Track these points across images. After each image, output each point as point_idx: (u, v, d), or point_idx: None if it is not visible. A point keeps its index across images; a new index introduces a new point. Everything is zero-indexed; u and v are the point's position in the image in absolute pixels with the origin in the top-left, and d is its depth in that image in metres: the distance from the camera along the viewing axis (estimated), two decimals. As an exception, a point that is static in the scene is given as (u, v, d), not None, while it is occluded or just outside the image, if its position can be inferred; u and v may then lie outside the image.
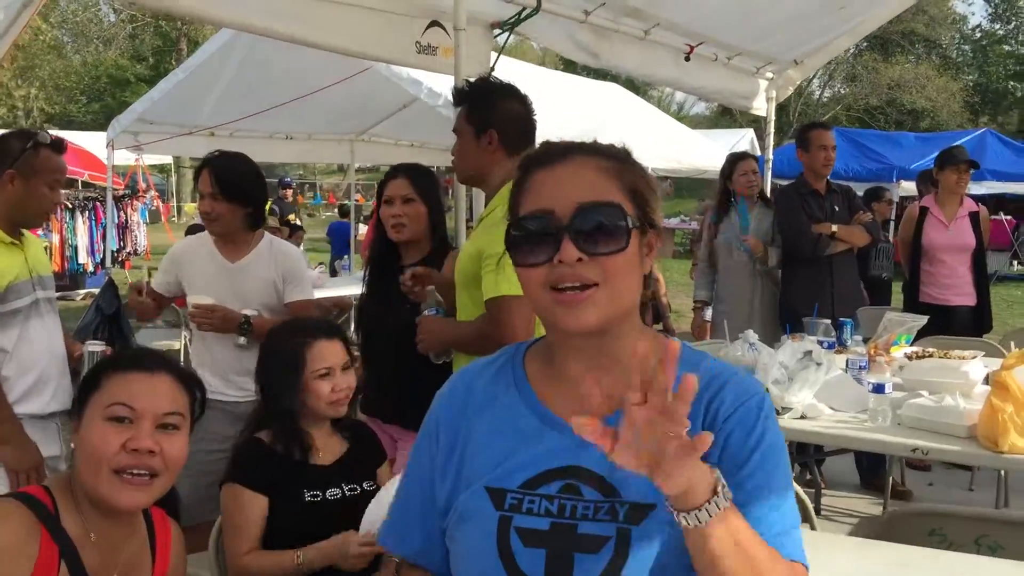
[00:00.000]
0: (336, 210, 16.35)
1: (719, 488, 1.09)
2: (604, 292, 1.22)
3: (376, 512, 1.60)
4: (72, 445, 1.66)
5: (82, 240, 12.86)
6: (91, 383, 1.67)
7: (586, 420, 1.07)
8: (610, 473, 1.23)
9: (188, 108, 8.19)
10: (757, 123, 24.60)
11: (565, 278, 1.22)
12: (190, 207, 26.68)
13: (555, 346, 1.33)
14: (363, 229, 14.45)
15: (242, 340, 3.27)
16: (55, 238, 12.77)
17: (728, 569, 1.09)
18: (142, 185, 16.37)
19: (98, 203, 13.24)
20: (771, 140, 6.61)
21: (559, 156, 1.28)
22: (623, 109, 10.46)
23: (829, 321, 4.43)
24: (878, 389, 3.23)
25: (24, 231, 3.03)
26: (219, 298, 3.26)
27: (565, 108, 8.31)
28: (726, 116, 34.73)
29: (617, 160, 1.29)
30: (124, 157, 11.12)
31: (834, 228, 4.98)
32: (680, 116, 31.83)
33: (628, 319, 1.28)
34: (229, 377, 3.32)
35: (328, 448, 2.51)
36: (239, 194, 3.25)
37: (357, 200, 15.08)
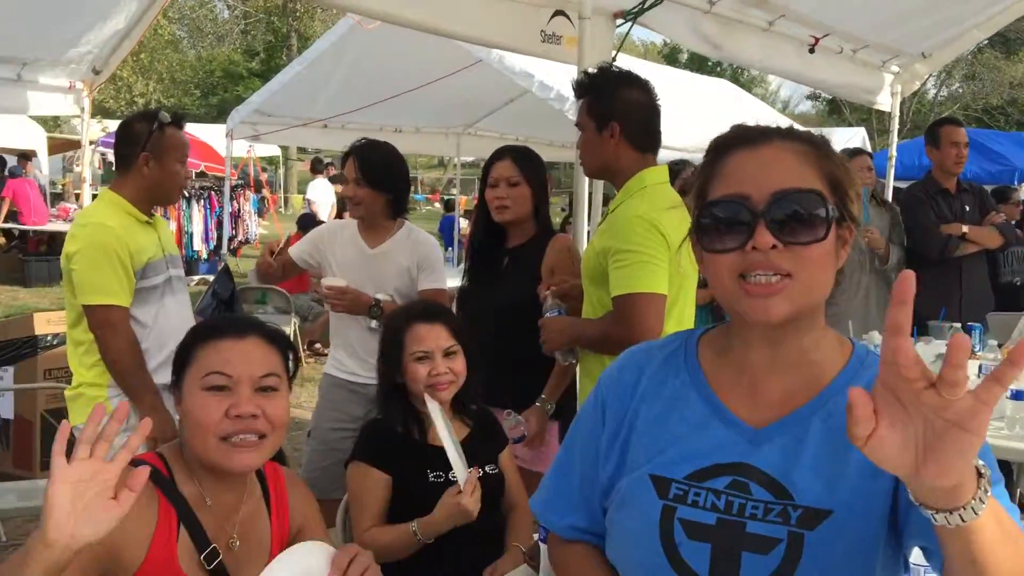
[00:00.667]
0: (442, 205, 16.49)
1: (982, 471, 0.93)
2: (797, 284, 1.16)
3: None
4: (176, 417, 1.70)
5: (197, 228, 13.31)
6: (184, 357, 1.69)
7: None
8: (783, 475, 1.18)
9: (303, 101, 8.40)
10: (867, 121, 23.81)
11: (757, 266, 1.15)
12: (297, 199, 27.37)
13: (734, 336, 1.28)
14: (464, 223, 14.58)
15: (373, 323, 3.32)
16: (172, 225, 13.26)
17: (997, 562, 0.96)
18: (263, 176, 16.87)
19: (212, 192, 13.69)
20: (895, 136, 6.37)
21: (757, 139, 1.23)
22: (734, 105, 10.27)
23: (959, 325, 4.23)
24: (1016, 396, 3.07)
25: (154, 213, 3.15)
26: (356, 281, 3.32)
27: (676, 104, 8.20)
28: (833, 115, 33.82)
29: (816, 147, 1.23)
30: (236, 149, 11.48)
31: (965, 229, 4.76)
32: (785, 115, 31.10)
33: (815, 314, 1.22)
34: (361, 358, 3.38)
35: None
36: (381, 181, 3.31)
37: (461, 200, 15.21)
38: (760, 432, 1.22)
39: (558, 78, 6.92)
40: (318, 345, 8.56)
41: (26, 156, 13.84)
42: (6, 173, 13.50)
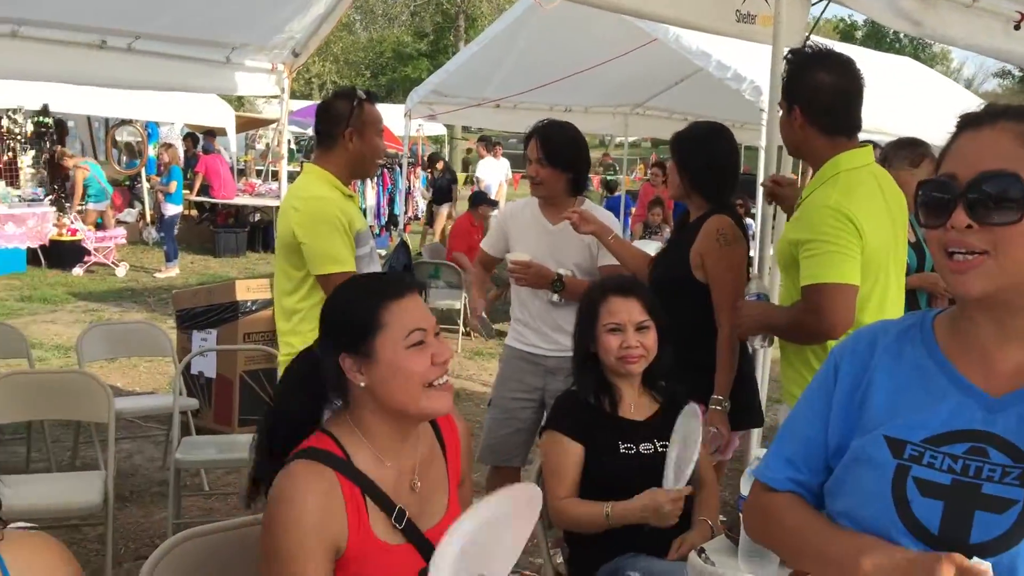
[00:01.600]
0: (602, 187, 16.47)
1: None
2: (994, 262, 1.21)
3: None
4: (361, 384, 1.72)
5: (370, 203, 13.85)
6: (369, 326, 1.72)
7: None
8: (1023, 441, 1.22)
9: (477, 81, 8.60)
10: (1065, 101, 22.05)
11: (954, 243, 1.23)
12: (462, 177, 27.95)
13: (961, 312, 1.33)
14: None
15: (555, 297, 3.43)
16: (347, 201, 13.86)
17: None
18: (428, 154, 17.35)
19: (385, 169, 14.21)
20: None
21: (982, 120, 1.27)
22: (917, 84, 9.79)
23: None
24: None
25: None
26: (537, 257, 3.44)
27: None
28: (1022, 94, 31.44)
29: None
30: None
31: None
32: (970, 92, 29.15)
33: None
34: (542, 331, 3.50)
35: (639, 405, 2.59)
36: (562, 160, 3.41)
37: (624, 179, 15.15)
38: (998, 401, 1.26)
39: (735, 57, 6.81)
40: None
41: (212, 133, 14.76)
42: (199, 150, 14.46)
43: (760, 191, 3.65)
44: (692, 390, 2.67)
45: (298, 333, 3.11)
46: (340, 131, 3.14)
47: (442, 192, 13.96)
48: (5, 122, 11.92)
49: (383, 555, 1.69)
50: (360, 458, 1.73)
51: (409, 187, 14.66)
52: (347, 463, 1.71)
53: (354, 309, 1.76)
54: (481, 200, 9.61)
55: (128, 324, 6.52)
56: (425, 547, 1.72)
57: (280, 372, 3.32)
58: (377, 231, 14.22)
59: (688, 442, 2.42)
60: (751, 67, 6.57)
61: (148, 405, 5.16)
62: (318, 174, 3.17)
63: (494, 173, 14.90)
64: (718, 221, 3.14)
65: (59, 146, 12.60)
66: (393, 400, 1.74)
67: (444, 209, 13.82)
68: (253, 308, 5.45)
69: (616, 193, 14.07)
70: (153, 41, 4.96)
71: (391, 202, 14.34)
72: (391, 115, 10.58)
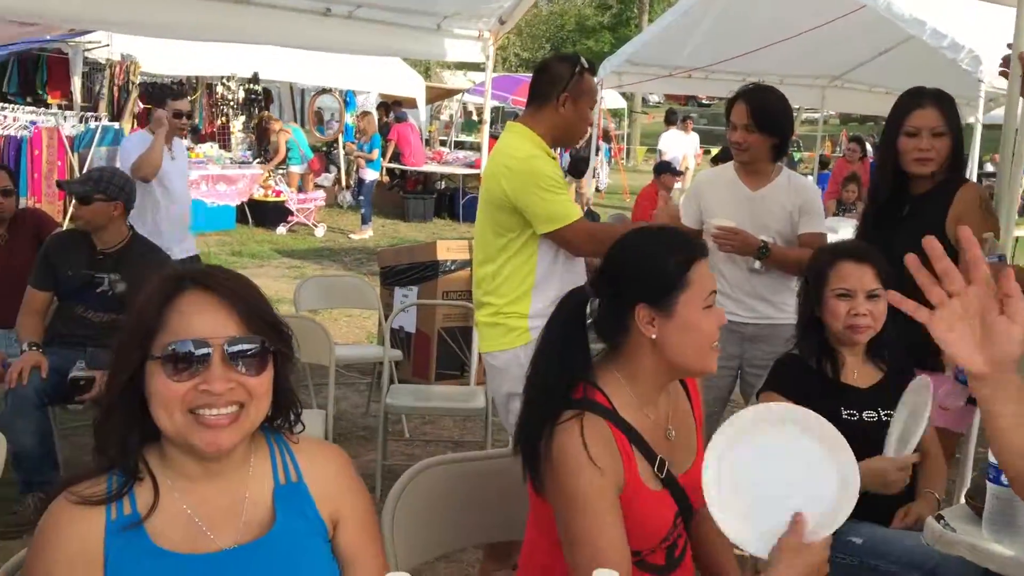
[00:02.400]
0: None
1: None
2: None
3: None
4: (652, 336, 1.74)
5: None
6: (676, 282, 1.74)
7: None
8: None
9: (671, 50, 8.51)
10: None
11: None
12: (640, 151, 27.75)
13: None
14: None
15: (757, 264, 3.39)
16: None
17: None
18: (610, 126, 17.34)
19: (568, 141, 14.32)
20: None
21: None
22: None
23: None
24: None
25: None
26: (737, 223, 3.40)
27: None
28: None
29: None
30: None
31: None
32: None
33: None
34: (740, 299, 3.47)
35: (863, 373, 2.55)
36: (770, 125, 3.35)
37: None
38: None
39: (952, 25, 6.44)
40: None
41: (400, 103, 15.31)
42: (391, 118, 15.03)
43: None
44: (919, 363, 2.60)
45: (501, 295, 3.14)
46: (555, 93, 3.13)
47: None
48: (220, 88, 12.81)
49: (648, 500, 1.75)
50: (624, 407, 1.77)
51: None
52: (615, 413, 1.75)
53: (661, 263, 1.76)
54: (664, 169, 9.54)
55: (340, 278, 6.96)
56: (680, 494, 1.78)
57: (477, 332, 3.42)
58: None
59: (916, 414, 2.36)
60: (969, 35, 6.20)
61: (359, 354, 5.51)
62: (526, 133, 3.15)
63: (678, 145, 14.73)
64: (975, 188, 3.03)
65: (265, 111, 13.44)
66: (682, 356, 1.76)
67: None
68: (452, 268, 5.67)
69: (826, 170, 13.60)
70: (372, 9, 5.23)
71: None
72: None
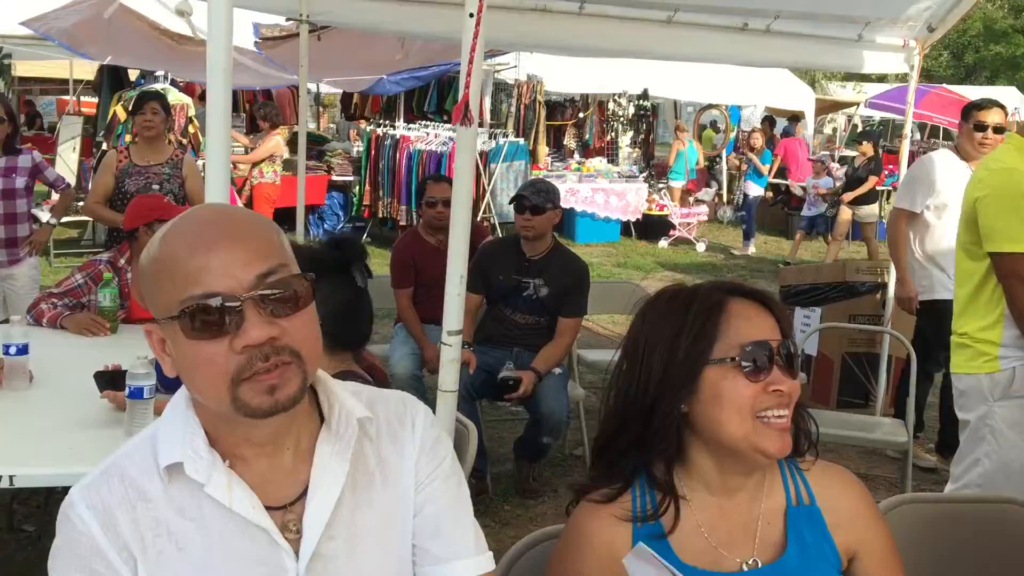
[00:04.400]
0: None
1: None
2: None
3: None
4: None
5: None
6: None
7: None
8: None
9: None
10: None
11: None
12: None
13: None
14: None
15: None
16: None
17: None
18: None
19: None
20: None
21: None
22: None
23: None
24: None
25: None
26: None
27: None
28: None
29: None
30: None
31: None
32: None
33: None
34: None
35: None
36: None
37: None
38: None
39: None
40: None
41: (796, 118, 14.82)
42: (777, 132, 14.66)
43: None
44: None
45: (971, 319, 2.94)
46: None
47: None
48: (611, 105, 13.31)
49: None
50: None
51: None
52: None
53: None
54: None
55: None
56: None
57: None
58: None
59: None
60: None
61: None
62: (1018, 144, 2.93)
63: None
64: None
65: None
66: None
67: None
68: (863, 290, 5.36)
69: None
70: (790, 21, 5.09)
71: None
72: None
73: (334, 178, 10.91)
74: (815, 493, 1.44)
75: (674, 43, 4.96)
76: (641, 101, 13.38)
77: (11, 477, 2.20)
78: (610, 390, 1.45)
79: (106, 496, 1.13)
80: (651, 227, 12.37)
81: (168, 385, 2.77)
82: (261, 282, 1.07)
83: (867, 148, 10.42)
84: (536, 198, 4.22)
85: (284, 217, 10.05)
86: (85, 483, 1.15)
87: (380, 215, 10.37)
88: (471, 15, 2.35)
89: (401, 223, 10.00)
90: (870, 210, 10.40)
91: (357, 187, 10.71)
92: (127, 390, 2.48)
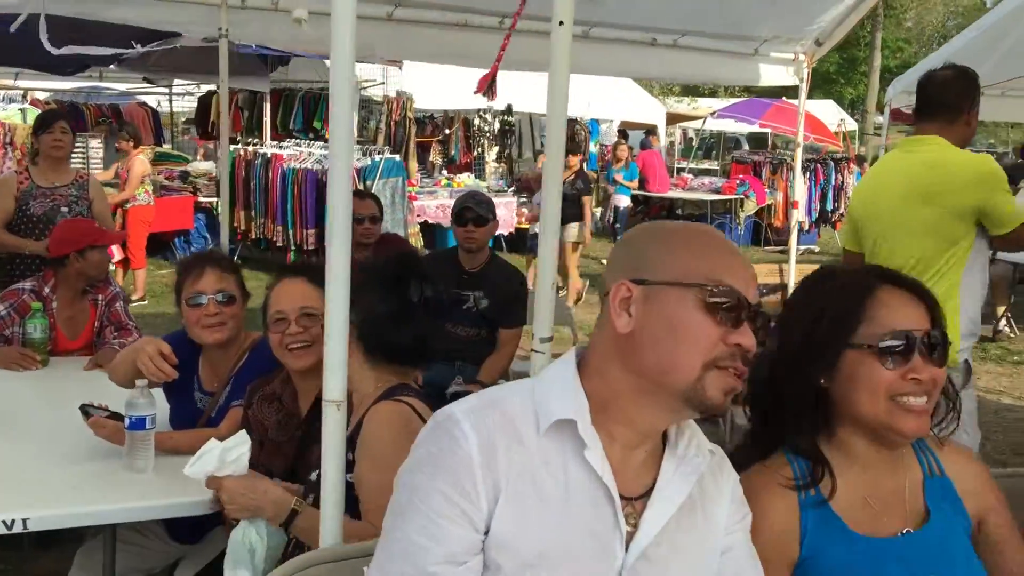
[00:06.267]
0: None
1: None
2: None
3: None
4: None
5: (802, 199, 13.62)
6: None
7: None
8: None
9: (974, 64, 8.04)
10: None
11: None
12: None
13: None
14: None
15: None
16: (779, 196, 13.83)
17: None
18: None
19: (818, 164, 13.97)
20: None
21: None
22: None
23: None
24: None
25: None
26: None
27: None
28: None
29: None
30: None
31: None
32: None
33: None
34: None
35: None
36: None
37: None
38: None
39: None
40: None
41: (650, 131, 15.41)
42: (634, 146, 15.20)
43: None
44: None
45: None
46: (966, 107, 3.09)
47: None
48: (477, 121, 13.40)
49: None
50: None
51: (842, 183, 14.23)
52: None
53: None
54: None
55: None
56: None
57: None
58: (807, 228, 13.97)
59: None
60: None
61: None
62: (944, 144, 3.07)
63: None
64: None
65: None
66: None
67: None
68: (764, 292, 5.61)
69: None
70: (695, 36, 5.30)
71: (823, 198, 14.02)
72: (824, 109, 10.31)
73: (200, 199, 10.47)
74: (944, 465, 1.54)
75: (587, 57, 5.05)
76: (505, 116, 13.54)
77: (24, 520, 2.02)
78: (762, 359, 1.50)
79: (491, 425, 1.18)
80: (523, 240, 12.51)
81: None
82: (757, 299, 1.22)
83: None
84: (480, 209, 4.21)
85: (159, 245, 9.56)
86: (466, 407, 1.20)
87: (253, 236, 10.01)
88: None
89: (277, 244, 9.70)
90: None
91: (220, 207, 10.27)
92: (127, 421, 2.30)
